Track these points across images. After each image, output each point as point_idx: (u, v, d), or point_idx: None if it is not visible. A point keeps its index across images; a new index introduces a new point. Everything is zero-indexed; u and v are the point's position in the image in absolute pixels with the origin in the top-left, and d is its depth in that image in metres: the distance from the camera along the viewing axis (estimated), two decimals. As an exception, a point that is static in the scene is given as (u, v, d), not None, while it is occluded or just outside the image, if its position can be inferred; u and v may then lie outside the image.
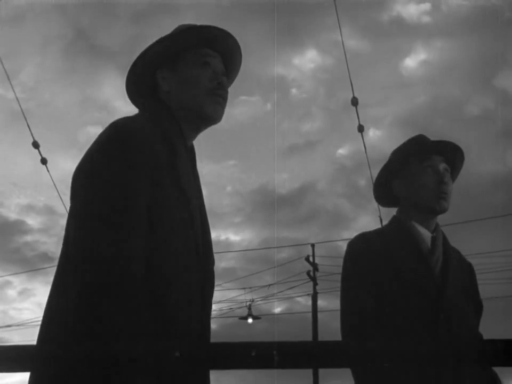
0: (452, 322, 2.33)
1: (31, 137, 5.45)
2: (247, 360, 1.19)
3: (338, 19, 4.74)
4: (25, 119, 5.44)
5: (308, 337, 18.16)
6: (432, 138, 2.61)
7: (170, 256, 1.70)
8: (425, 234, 2.48)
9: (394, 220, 2.57)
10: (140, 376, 1.43)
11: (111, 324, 1.52)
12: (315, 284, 19.26)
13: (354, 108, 4.99)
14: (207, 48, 1.93)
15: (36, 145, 5.55)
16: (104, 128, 1.76)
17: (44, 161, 5.74)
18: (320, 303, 19.72)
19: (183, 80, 1.90)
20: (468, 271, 2.58)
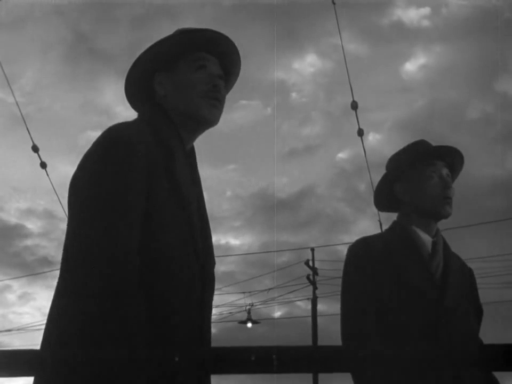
0: (452, 327, 2.33)
1: (31, 141, 5.45)
2: (246, 365, 1.18)
3: (338, 23, 4.75)
4: (25, 123, 5.44)
5: (308, 341, 18.14)
6: (432, 143, 2.61)
7: (167, 259, 1.70)
8: (426, 239, 2.48)
9: (395, 224, 2.57)
10: (140, 380, 1.42)
11: (107, 328, 1.52)
12: (315, 288, 19.24)
13: (354, 112, 4.99)
14: (204, 51, 1.94)
15: (35, 149, 5.54)
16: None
17: (43, 165, 5.74)
18: (320, 307, 19.69)
19: (178, 84, 1.90)
20: (468, 276, 2.58)
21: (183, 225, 1.75)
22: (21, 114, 5.53)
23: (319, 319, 18.84)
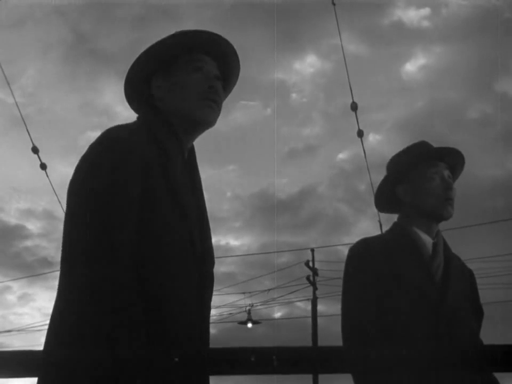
0: (452, 327, 2.33)
1: (31, 142, 5.45)
2: (246, 365, 1.18)
3: (337, 24, 4.75)
4: (25, 124, 5.44)
5: (308, 342, 18.14)
6: (432, 143, 2.62)
7: (163, 259, 1.70)
8: (427, 240, 2.48)
9: (395, 225, 2.58)
10: (140, 381, 1.42)
11: (102, 329, 1.53)
12: (315, 289, 19.24)
13: (354, 112, 4.99)
14: (201, 53, 1.94)
15: (35, 150, 5.54)
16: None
17: (43, 166, 5.74)
18: (320, 307, 19.66)
19: (175, 86, 1.91)
20: (468, 277, 2.58)
21: (181, 226, 1.76)
22: (21, 115, 5.53)
23: (319, 320, 18.85)
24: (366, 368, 1.38)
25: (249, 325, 19.95)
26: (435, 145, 2.61)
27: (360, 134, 5.20)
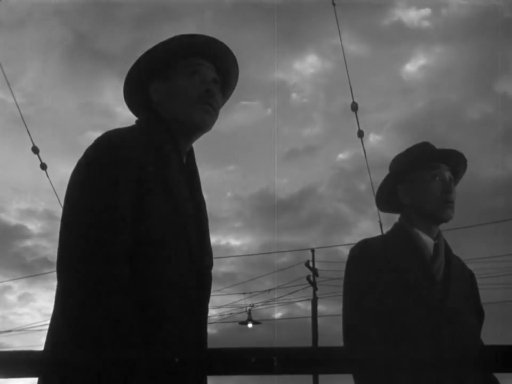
0: (453, 328, 2.33)
1: (31, 142, 5.45)
2: (247, 366, 1.18)
3: (338, 24, 4.74)
4: (25, 124, 5.44)
5: (308, 342, 18.14)
6: (433, 144, 2.61)
7: (158, 260, 1.71)
8: (428, 241, 2.48)
9: (397, 226, 2.58)
10: (138, 382, 1.42)
11: (96, 331, 1.55)
12: (315, 289, 19.24)
13: (354, 113, 4.99)
14: (198, 57, 1.94)
15: (35, 150, 5.54)
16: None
17: (43, 166, 5.73)
18: (320, 308, 19.68)
19: (172, 91, 1.91)
20: (469, 277, 2.58)
21: (177, 228, 1.76)
22: (21, 115, 5.53)
23: (319, 320, 18.85)
24: (366, 368, 1.38)
25: (250, 325, 19.94)
26: (436, 146, 2.60)
27: (360, 134, 5.19)
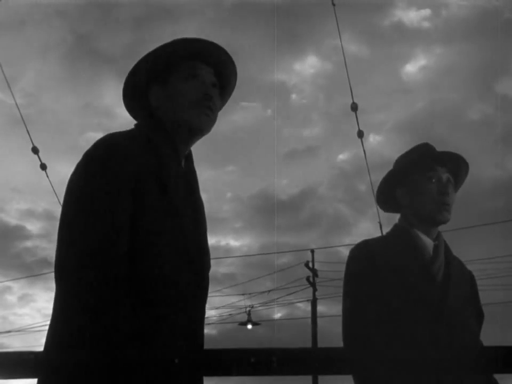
0: (453, 329, 2.33)
1: (31, 142, 5.44)
2: (246, 367, 1.18)
3: (337, 24, 4.74)
4: (25, 124, 5.44)
5: (308, 342, 18.14)
6: (433, 145, 2.61)
7: (158, 265, 1.72)
8: (427, 242, 2.48)
9: (396, 227, 2.58)
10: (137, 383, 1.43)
11: (96, 332, 1.55)
12: (314, 290, 19.24)
13: (354, 113, 4.98)
14: (196, 60, 1.94)
15: (35, 150, 5.53)
16: (102, 135, 1.81)
17: (43, 166, 5.73)
18: (320, 308, 19.67)
19: (171, 94, 1.92)
20: (469, 278, 2.58)
21: (175, 229, 1.77)
22: (21, 115, 5.53)
23: (319, 321, 18.86)
24: (366, 370, 1.38)
25: (249, 326, 19.94)
26: (436, 147, 2.60)
27: (360, 134, 5.19)
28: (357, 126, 5.05)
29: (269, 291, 19.77)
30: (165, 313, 1.70)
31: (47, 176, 5.84)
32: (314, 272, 19.39)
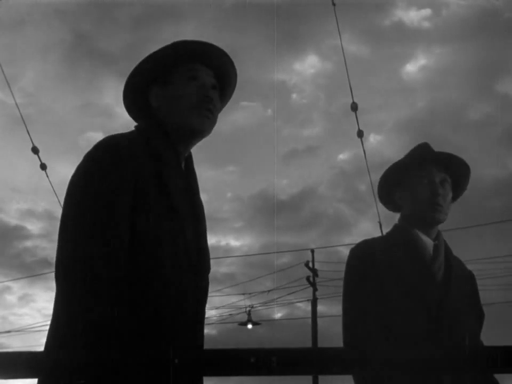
0: (453, 328, 2.33)
1: (31, 142, 5.44)
2: (246, 367, 1.18)
3: (338, 24, 4.74)
4: (25, 124, 5.44)
5: (308, 342, 18.14)
6: (433, 145, 2.60)
7: (156, 262, 1.72)
8: (427, 241, 2.48)
9: (396, 227, 2.58)
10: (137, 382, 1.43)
11: (96, 332, 1.56)
12: (315, 290, 19.24)
13: (354, 113, 4.98)
14: (197, 63, 1.95)
15: (35, 150, 5.53)
16: (102, 135, 1.81)
17: (43, 166, 5.73)
18: (320, 308, 19.65)
19: (171, 96, 1.93)
20: (469, 278, 2.58)
21: (175, 230, 1.78)
22: (21, 115, 5.53)
23: (319, 321, 18.85)
24: (366, 369, 1.38)
25: (250, 325, 19.94)
26: (436, 147, 2.59)
27: (360, 134, 5.19)
28: (357, 125, 5.06)
29: (269, 291, 19.78)
30: (165, 313, 1.70)
31: (47, 176, 5.84)
32: (314, 272, 19.38)
